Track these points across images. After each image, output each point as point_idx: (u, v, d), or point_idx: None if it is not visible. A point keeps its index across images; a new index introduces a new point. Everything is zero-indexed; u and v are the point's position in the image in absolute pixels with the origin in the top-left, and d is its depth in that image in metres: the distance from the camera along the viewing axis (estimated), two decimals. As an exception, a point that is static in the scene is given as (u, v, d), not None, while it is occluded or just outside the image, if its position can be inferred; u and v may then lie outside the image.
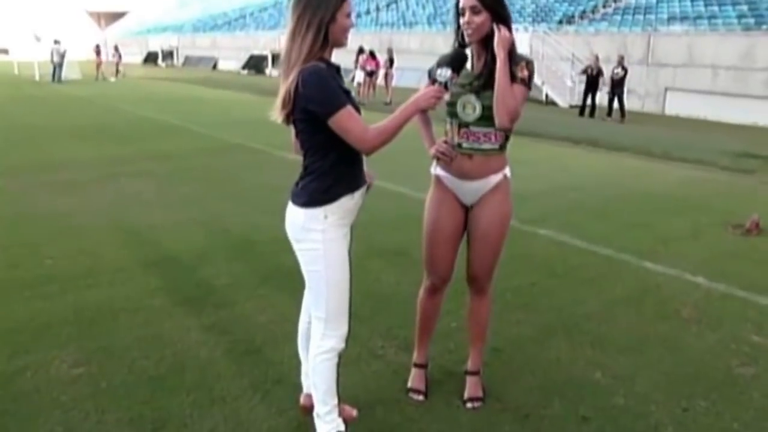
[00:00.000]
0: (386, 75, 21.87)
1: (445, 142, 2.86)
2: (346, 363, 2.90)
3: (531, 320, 4.03)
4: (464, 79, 2.76)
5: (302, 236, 2.41)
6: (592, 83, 18.85)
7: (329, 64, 2.38)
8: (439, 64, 2.81)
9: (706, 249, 5.72)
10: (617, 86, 18.19)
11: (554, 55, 23.42)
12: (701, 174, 9.78)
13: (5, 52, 35.66)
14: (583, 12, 27.15)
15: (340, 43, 2.40)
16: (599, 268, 5.10)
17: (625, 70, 18.18)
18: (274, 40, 38.86)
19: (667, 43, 21.30)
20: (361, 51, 21.37)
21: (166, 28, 57.35)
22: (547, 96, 22.66)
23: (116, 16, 70.86)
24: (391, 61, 22.09)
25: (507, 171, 2.95)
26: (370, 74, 21.03)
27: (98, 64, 31.51)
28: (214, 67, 46.52)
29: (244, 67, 41.71)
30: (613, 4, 26.63)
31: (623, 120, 17.50)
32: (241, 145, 11.18)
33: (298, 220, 2.41)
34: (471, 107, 2.79)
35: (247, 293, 4.34)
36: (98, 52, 31.97)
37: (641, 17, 23.76)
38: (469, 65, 2.80)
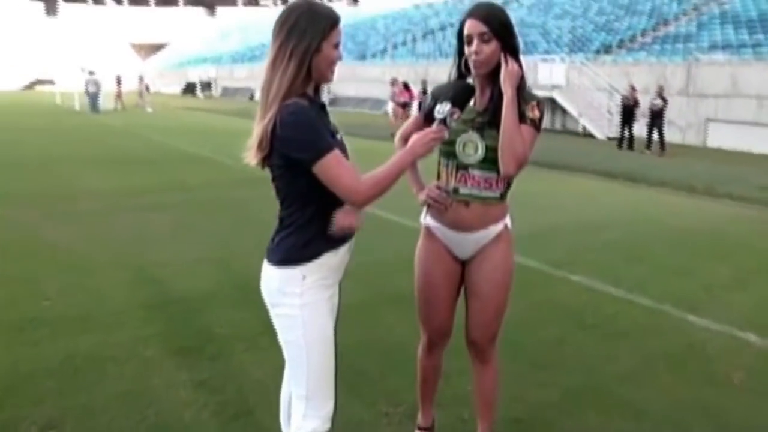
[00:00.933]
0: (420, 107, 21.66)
1: (438, 187, 2.49)
2: (344, 429, 2.53)
3: (557, 382, 3.59)
4: (466, 114, 2.42)
5: (278, 300, 2.07)
6: (629, 115, 18.32)
7: (312, 101, 2.07)
8: (435, 96, 2.49)
9: (756, 299, 5.21)
10: (656, 117, 17.61)
11: (591, 86, 23.00)
12: (746, 211, 9.21)
13: (51, 82, 36.43)
14: (621, 41, 26.69)
15: (325, 78, 2.10)
16: (635, 319, 4.63)
17: (665, 101, 17.63)
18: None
19: (708, 72, 20.64)
20: (393, 82, 21.22)
21: (205, 60, 58.35)
22: (584, 128, 22.19)
23: (156, 48, 72.51)
24: (424, 93, 21.88)
25: (508, 220, 2.61)
26: (404, 106, 20.79)
27: (118, 94, 32.20)
28: (251, 97, 46.94)
29: (280, 98, 41.94)
30: (651, 33, 26.14)
31: (663, 153, 16.89)
32: (267, 177, 10.93)
33: (272, 282, 2.07)
34: (472, 147, 2.43)
35: (246, 344, 4.00)
36: (119, 82, 32.81)
37: (681, 46, 23.19)
38: (471, 100, 2.47)
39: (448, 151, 2.48)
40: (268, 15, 67.88)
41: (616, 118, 20.12)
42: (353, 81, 37.46)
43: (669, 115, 18.45)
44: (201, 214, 7.91)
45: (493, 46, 2.37)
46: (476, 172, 2.45)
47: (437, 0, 50.18)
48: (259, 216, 7.89)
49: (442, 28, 41.07)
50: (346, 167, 1.98)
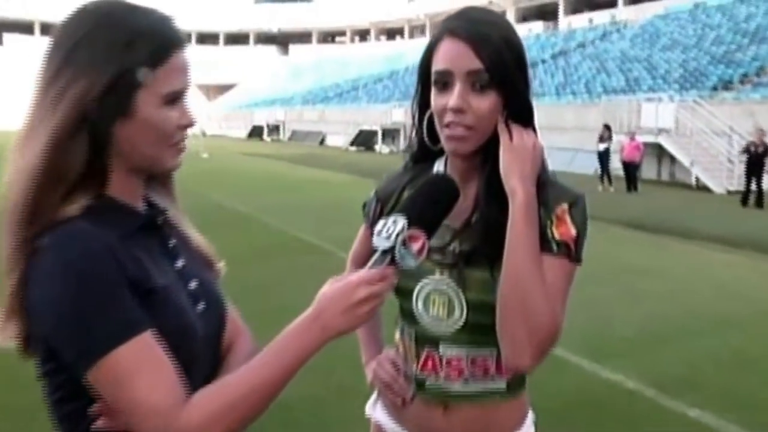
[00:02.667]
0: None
1: (394, 364, 1.52)
2: None
3: None
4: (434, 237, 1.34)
5: None
6: (756, 164, 16.64)
7: (117, 217, 1.20)
8: (381, 198, 1.58)
9: None
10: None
11: (706, 129, 21.50)
12: None
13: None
14: (745, 75, 24.98)
15: (156, 162, 1.23)
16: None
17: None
18: (386, 113, 38.85)
19: None
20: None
21: (274, 101, 59.44)
22: (697, 179, 20.57)
23: (224, 89, 74.64)
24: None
25: (530, 420, 1.54)
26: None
27: None
28: (322, 142, 47.18)
29: (352, 143, 41.88)
30: (782, 66, 24.41)
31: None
32: (309, 243, 10.13)
33: None
34: (443, 305, 1.44)
35: None
36: None
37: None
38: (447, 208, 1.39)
39: (404, 307, 1.48)
40: (345, 53, 69.23)
41: (739, 168, 18.52)
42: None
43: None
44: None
45: (490, 101, 1.34)
46: (452, 352, 1.44)
47: (525, 32, 49.47)
48: (275, 299, 6.94)
49: (533, 65, 40.15)
50: (154, 371, 1.08)
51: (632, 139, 19.67)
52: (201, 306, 1.25)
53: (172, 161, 1.24)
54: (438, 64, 1.37)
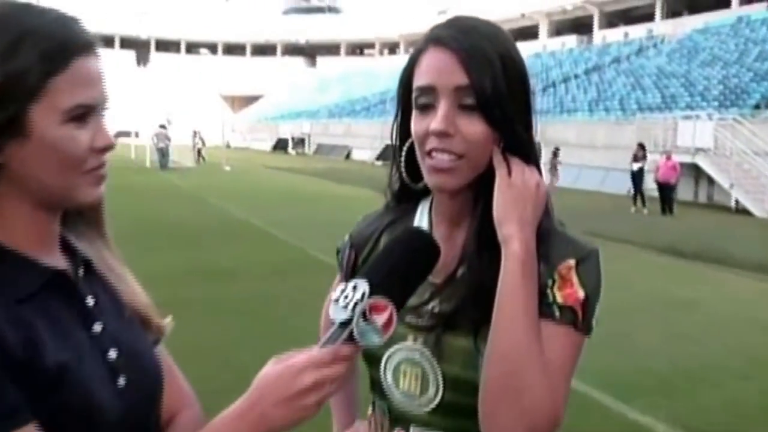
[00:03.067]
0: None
1: None
2: None
3: None
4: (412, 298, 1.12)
5: None
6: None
7: (9, 273, 0.98)
8: (356, 245, 1.39)
9: None
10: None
11: (747, 149, 21.11)
12: None
13: (128, 134, 37.96)
14: (790, 93, 24.42)
15: (67, 197, 1.03)
16: None
17: None
18: (412, 127, 38.77)
19: None
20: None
21: (300, 114, 59.73)
22: (737, 202, 20.06)
23: (250, 100, 75.21)
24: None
25: None
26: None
27: (197, 149, 33.40)
28: (347, 156, 47.18)
29: (378, 158, 41.77)
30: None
31: None
32: (322, 261, 9.91)
33: None
34: (414, 378, 1.20)
35: None
36: (196, 136, 34.60)
37: None
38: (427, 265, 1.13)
39: (374, 379, 1.26)
40: (373, 65, 69.36)
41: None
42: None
43: None
44: (218, 315, 6.97)
45: (479, 129, 1.12)
46: None
47: (559, 46, 49.15)
48: (286, 319, 6.73)
49: (566, 80, 39.81)
50: None
51: (668, 158, 19.24)
52: (122, 380, 1.03)
53: (89, 193, 1.02)
54: (420, 79, 1.14)
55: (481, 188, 1.15)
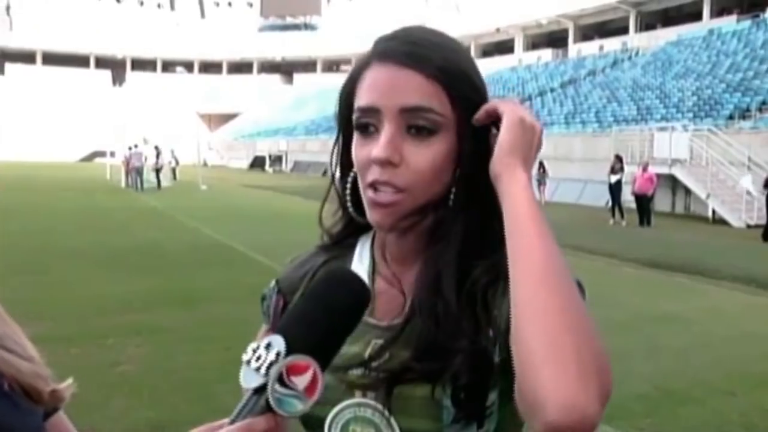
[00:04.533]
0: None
1: None
2: None
3: None
4: (353, 342, 0.96)
5: None
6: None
7: None
8: (284, 291, 1.19)
9: None
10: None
11: (723, 160, 21.29)
12: None
13: (103, 154, 37.67)
14: (764, 103, 24.68)
15: None
16: None
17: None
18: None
19: None
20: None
21: (277, 131, 59.55)
22: (714, 212, 20.15)
23: (227, 118, 74.88)
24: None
25: None
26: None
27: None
28: (324, 173, 47.05)
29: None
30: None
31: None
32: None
33: None
34: None
35: None
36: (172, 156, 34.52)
37: None
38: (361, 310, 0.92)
39: None
40: (348, 81, 69.34)
41: (759, 200, 18.12)
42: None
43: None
44: (188, 344, 6.68)
45: (433, 151, 0.98)
46: None
47: (534, 60, 49.50)
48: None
49: (542, 93, 40.06)
50: None
51: (645, 170, 19.31)
52: None
53: None
54: (361, 99, 1.00)
55: (432, 227, 1.00)
